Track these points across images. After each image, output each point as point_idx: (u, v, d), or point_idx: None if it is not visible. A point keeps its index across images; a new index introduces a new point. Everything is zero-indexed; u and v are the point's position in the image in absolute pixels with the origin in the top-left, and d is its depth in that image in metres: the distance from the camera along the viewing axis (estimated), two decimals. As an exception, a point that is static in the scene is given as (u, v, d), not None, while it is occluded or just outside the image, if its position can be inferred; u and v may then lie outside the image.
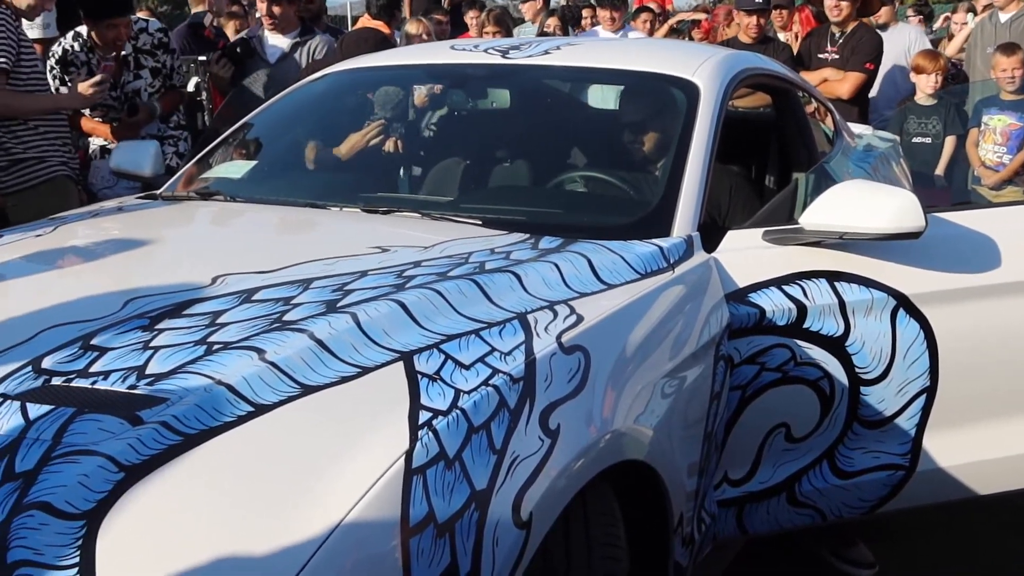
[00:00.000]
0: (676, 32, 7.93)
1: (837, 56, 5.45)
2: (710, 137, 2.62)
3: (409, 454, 1.44)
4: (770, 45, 5.55)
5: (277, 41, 4.83)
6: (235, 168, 3.03)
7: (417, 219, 2.47)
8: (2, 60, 3.70)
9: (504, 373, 1.65)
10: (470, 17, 7.58)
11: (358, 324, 1.73)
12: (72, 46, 4.30)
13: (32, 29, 4.33)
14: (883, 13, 6.24)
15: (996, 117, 5.24)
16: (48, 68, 4.30)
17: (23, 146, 3.83)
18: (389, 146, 3.16)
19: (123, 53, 4.33)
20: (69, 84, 4.16)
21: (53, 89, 4.25)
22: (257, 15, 5.24)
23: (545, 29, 7.80)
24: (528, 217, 2.51)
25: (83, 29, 4.31)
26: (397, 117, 3.29)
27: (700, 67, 2.84)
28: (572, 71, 3.08)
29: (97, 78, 4.05)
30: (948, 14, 8.68)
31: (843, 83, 5.33)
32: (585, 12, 7.80)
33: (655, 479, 1.95)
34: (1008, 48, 5.28)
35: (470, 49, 3.30)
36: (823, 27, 5.85)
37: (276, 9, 4.74)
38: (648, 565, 2.05)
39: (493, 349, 1.72)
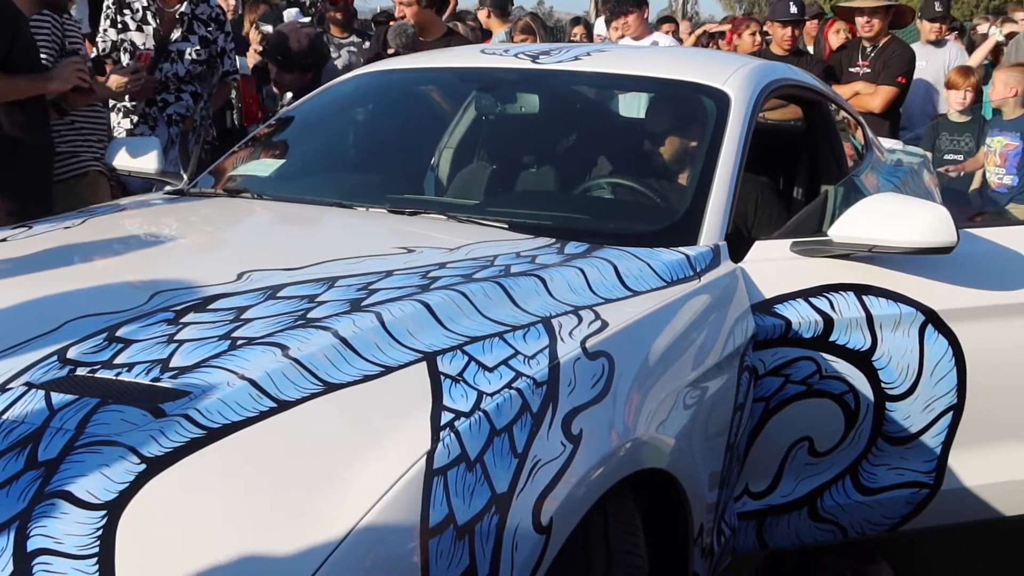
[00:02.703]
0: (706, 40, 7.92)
1: (869, 70, 5.42)
2: (739, 147, 2.60)
3: (431, 455, 1.43)
4: (803, 58, 5.52)
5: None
6: (263, 166, 3.04)
7: (443, 221, 2.47)
8: (43, 58, 3.73)
9: (527, 376, 1.64)
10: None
11: (382, 323, 1.73)
12: None
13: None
14: (934, 30, 6.16)
15: (996, 138, 5.19)
16: (103, 8, 4.34)
17: (58, 140, 3.85)
18: None
19: (180, 10, 4.35)
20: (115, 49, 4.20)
21: (101, 30, 4.28)
22: None
23: (572, 38, 7.81)
24: (554, 222, 2.50)
25: None
26: (426, 115, 3.29)
27: (731, 76, 2.82)
28: (602, 77, 3.07)
29: (132, 66, 4.06)
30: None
31: (875, 96, 5.30)
32: (604, 27, 7.77)
33: (676, 489, 1.93)
34: (1008, 67, 5.25)
35: (500, 53, 3.29)
36: (854, 41, 5.82)
37: (283, 76, 4.75)
38: (667, 574, 2.03)
39: (517, 352, 1.71)
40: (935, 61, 5.92)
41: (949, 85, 5.46)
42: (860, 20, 5.45)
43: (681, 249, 2.28)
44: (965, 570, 3.00)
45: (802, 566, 2.92)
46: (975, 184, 5.22)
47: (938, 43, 6.20)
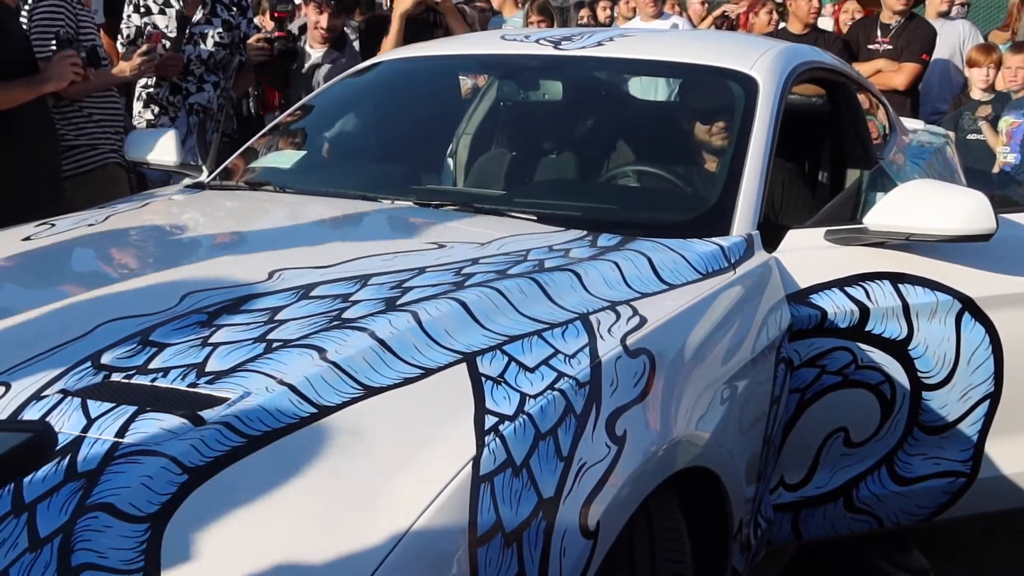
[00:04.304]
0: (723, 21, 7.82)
1: (891, 47, 5.34)
2: (769, 133, 2.56)
3: (476, 460, 1.40)
4: (821, 36, 5.45)
5: (314, 52, 4.73)
6: (284, 158, 3.00)
7: (471, 214, 2.44)
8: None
9: (570, 377, 1.61)
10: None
11: (419, 323, 1.70)
12: None
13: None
14: (945, 0, 6.08)
15: (1004, 118, 5.12)
16: None
17: (76, 132, 3.82)
18: None
19: None
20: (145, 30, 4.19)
21: (125, 16, 4.29)
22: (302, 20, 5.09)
23: (579, 21, 7.74)
24: (583, 213, 2.46)
25: None
26: (449, 108, 3.25)
27: (758, 60, 2.78)
28: (627, 63, 3.02)
29: (143, 48, 4.00)
30: None
31: (899, 74, 5.23)
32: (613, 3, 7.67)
33: (716, 484, 1.91)
34: (1018, 47, 5.17)
35: (521, 39, 3.25)
36: (871, 17, 5.75)
37: (334, 22, 4.60)
38: (706, 570, 2.00)
39: (557, 351, 1.68)
40: (948, 37, 5.84)
41: (971, 63, 5.39)
42: None
43: (715, 240, 2.25)
44: (1001, 556, 2.97)
45: (835, 555, 2.90)
46: (997, 167, 5.17)
47: (947, 15, 6.12)
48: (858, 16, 6.14)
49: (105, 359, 1.62)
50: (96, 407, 1.49)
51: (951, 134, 4.54)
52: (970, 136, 5.20)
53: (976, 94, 5.36)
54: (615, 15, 7.66)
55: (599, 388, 1.62)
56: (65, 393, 1.53)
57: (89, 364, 1.61)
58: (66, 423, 1.47)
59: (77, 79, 3.59)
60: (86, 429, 1.45)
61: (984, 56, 5.34)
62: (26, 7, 3.77)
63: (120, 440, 1.42)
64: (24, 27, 3.70)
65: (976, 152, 5.11)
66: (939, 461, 2.51)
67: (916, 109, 5.40)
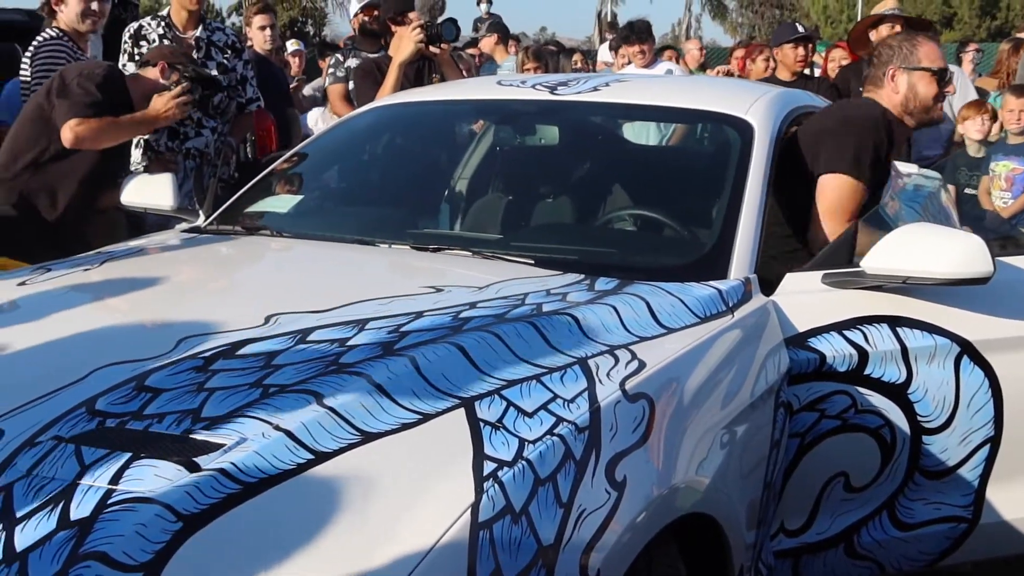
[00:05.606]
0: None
1: (884, 90, 5.37)
2: (765, 177, 2.57)
3: (475, 507, 1.39)
4: (812, 82, 5.49)
5: None
6: (281, 202, 3.01)
7: (468, 257, 2.43)
8: None
9: (569, 422, 1.59)
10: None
11: (417, 368, 1.69)
12: (149, 23, 4.39)
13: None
14: None
15: (1001, 163, 5.13)
16: (122, 43, 4.42)
17: None
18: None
19: (195, 35, 4.35)
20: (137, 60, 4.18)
21: (120, 65, 4.31)
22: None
23: (574, 67, 7.82)
24: (581, 257, 2.46)
25: (165, 11, 4.44)
26: (446, 153, 3.26)
27: (753, 105, 2.79)
28: (622, 108, 3.04)
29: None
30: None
31: None
32: (610, 54, 7.74)
33: (716, 530, 1.89)
34: (1018, 89, 5.18)
35: (517, 84, 3.27)
36: (861, 62, 5.79)
37: None
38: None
39: (556, 396, 1.67)
40: None
41: (963, 118, 5.43)
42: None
43: (712, 283, 2.24)
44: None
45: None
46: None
47: None
48: (845, 63, 6.18)
49: (99, 405, 1.61)
50: (90, 454, 1.48)
51: (940, 176, 4.55)
52: (966, 191, 5.23)
53: (971, 149, 5.39)
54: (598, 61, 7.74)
55: (598, 433, 1.61)
56: (59, 439, 1.52)
57: (83, 410, 1.60)
58: (59, 470, 1.45)
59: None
60: (79, 476, 1.44)
61: (975, 111, 5.38)
62: (26, 56, 3.79)
63: (114, 487, 1.41)
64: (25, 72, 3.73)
65: (971, 205, 5.14)
66: (940, 506, 2.49)
67: (910, 151, 5.42)
